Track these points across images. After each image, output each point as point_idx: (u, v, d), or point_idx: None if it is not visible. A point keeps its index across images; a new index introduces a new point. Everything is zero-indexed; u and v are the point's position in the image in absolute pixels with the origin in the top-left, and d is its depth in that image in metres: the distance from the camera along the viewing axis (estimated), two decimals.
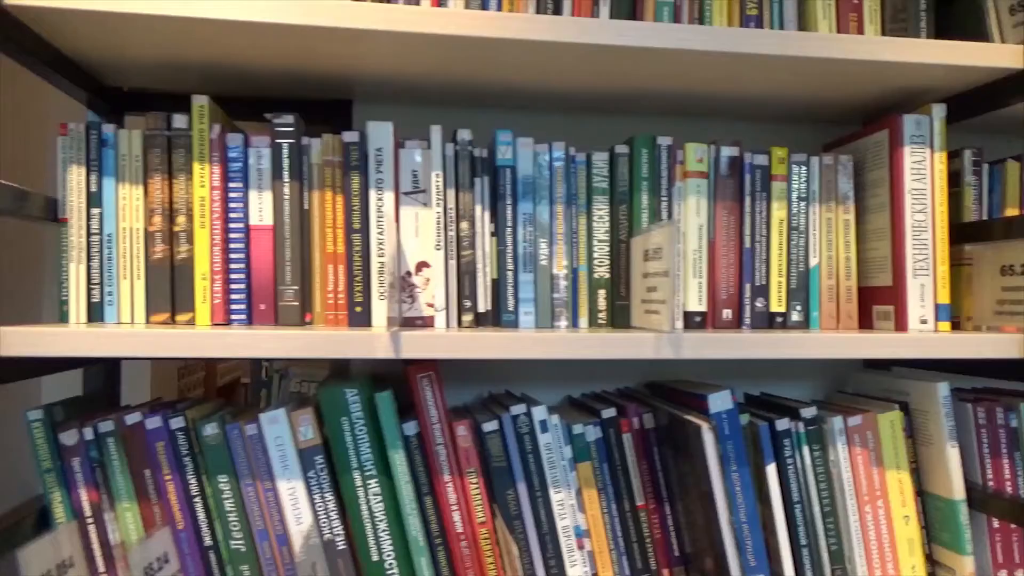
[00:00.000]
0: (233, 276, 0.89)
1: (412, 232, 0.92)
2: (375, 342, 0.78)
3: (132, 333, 0.75)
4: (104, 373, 1.01)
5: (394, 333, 0.79)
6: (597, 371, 1.18)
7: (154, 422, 0.85)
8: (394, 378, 1.10)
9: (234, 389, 8.80)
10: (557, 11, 0.95)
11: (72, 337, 0.74)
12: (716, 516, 0.86)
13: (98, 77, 1.00)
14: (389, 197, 0.92)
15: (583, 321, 0.97)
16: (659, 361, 1.19)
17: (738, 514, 0.88)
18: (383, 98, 1.09)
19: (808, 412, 0.95)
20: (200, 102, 0.88)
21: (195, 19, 0.79)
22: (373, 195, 0.91)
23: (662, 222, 0.95)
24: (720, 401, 0.93)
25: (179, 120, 0.88)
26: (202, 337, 0.76)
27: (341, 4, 0.82)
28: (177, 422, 0.85)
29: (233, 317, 0.89)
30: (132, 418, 0.86)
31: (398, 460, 0.87)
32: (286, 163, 0.90)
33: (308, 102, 1.09)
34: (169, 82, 1.02)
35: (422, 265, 0.92)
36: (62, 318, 0.87)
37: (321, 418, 0.89)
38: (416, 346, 0.79)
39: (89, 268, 0.87)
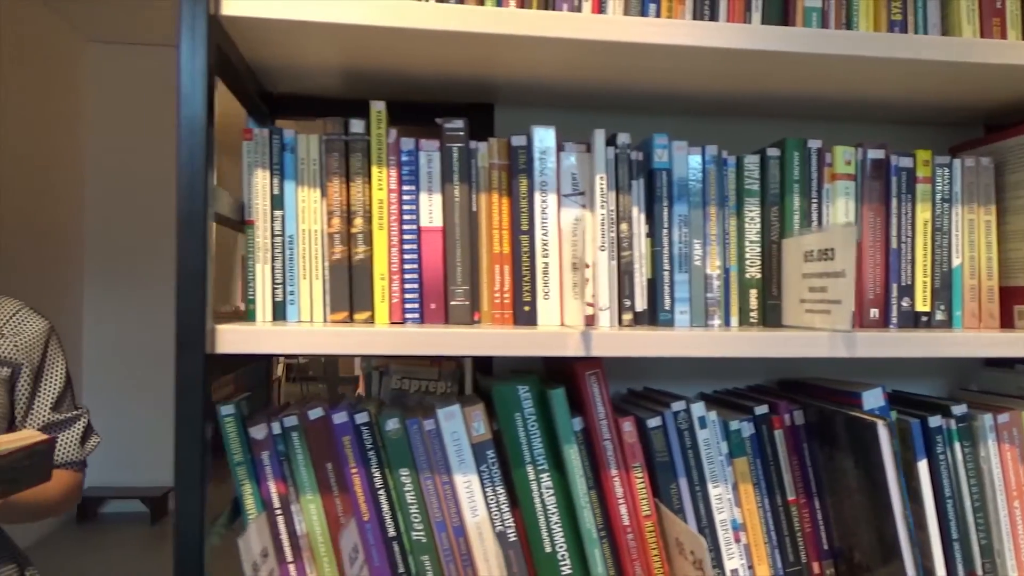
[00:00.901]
0: (407, 276, 0.92)
1: (572, 233, 0.95)
2: (567, 340, 0.81)
3: (343, 332, 0.78)
4: (264, 369, 1.04)
5: (584, 332, 0.82)
6: (725, 369, 1.20)
7: (340, 417, 0.88)
8: (535, 374, 1.12)
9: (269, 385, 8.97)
10: (713, 17, 0.97)
11: (285, 335, 0.77)
12: (890, 512, 0.89)
13: (258, 83, 1.03)
14: (552, 199, 0.95)
15: (734, 320, 1.00)
16: (791, 359, 1.21)
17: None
18: (523, 102, 1.12)
19: (959, 409, 0.97)
20: (378, 108, 0.91)
21: (369, 27, 0.81)
22: (538, 197, 0.94)
23: (830, 224, 0.98)
24: (873, 398, 0.95)
25: (356, 125, 0.91)
26: (433, 335, 0.79)
27: (511, 12, 0.84)
28: (362, 417, 0.88)
29: (407, 316, 0.92)
30: (315, 413, 0.89)
31: (572, 455, 0.90)
32: (456, 166, 0.93)
33: (449, 105, 1.11)
34: (320, 87, 1.05)
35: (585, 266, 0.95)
36: (249, 316, 0.90)
37: (491, 414, 0.92)
38: (606, 345, 0.81)
39: (273, 268, 0.90)
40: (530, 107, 1.14)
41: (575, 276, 0.95)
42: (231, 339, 0.76)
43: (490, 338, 0.80)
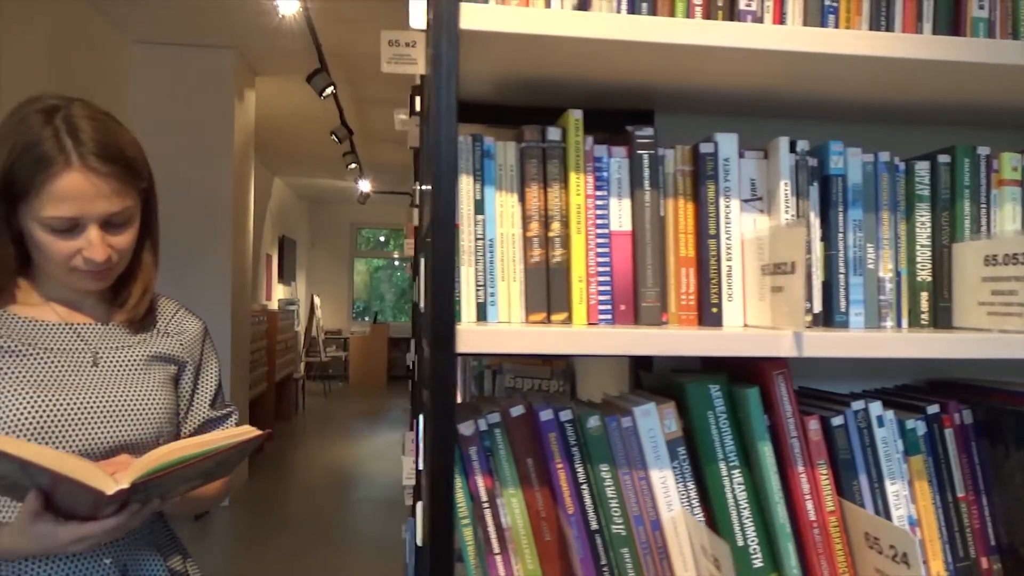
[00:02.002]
0: (600, 278, 0.95)
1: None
2: (780, 342, 0.84)
3: (584, 333, 0.82)
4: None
5: (797, 334, 0.85)
6: (874, 369, 1.23)
7: (547, 415, 0.91)
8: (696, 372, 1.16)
9: (286, 385, 8.88)
10: (888, 27, 1.00)
11: (523, 336, 0.80)
12: None
13: None
14: (735, 204, 0.98)
15: (904, 322, 1.03)
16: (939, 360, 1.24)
17: None
18: (681, 108, 1.15)
19: None
20: (576, 116, 0.94)
21: (571, 39, 0.85)
22: (723, 202, 0.97)
23: (998, 230, 1.00)
24: None
25: (553, 133, 0.95)
26: (657, 337, 0.82)
27: (708, 24, 0.88)
28: (566, 415, 0.92)
29: (601, 317, 0.95)
30: (516, 411, 0.92)
31: (766, 451, 0.93)
32: (646, 172, 0.96)
33: (610, 112, 1.15)
34: (477, 94, 1.09)
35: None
36: (455, 317, 0.93)
37: (681, 411, 0.95)
38: (817, 346, 0.85)
39: (476, 271, 0.93)
40: (688, 113, 1.17)
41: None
42: (473, 339, 0.79)
43: (710, 339, 0.83)
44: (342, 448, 6.78)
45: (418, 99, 2.65)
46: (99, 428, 1.05)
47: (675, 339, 0.84)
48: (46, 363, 1.05)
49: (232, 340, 5.12)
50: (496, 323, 0.93)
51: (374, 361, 10.76)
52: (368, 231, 13.09)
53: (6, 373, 1.02)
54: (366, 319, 12.26)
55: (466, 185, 0.93)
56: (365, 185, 8.50)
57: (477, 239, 0.94)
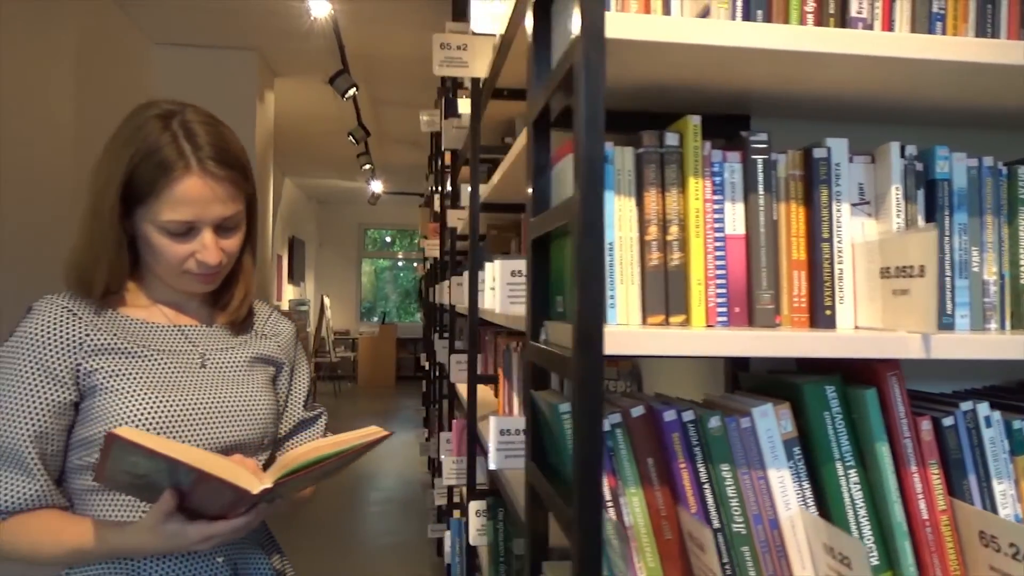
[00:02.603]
0: (718, 281, 0.97)
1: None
2: (908, 344, 0.86)
3: (737, 335, 0.83)
4: None
5: (925, 336, 0.86)
6: (964, 370, 1.25)
7: (670, 415, 0.93)
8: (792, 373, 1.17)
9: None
10: (994, 34, 1.02)
11: (665, 338, 0.82)
12: None
13: None
14: (846, 208, 0.99)
15: (1007, 323, 1.04)
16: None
17: None
18: (777, 113, 1.17)
19: None
20: (695, 122, 0.96)
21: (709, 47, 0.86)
22: (834, 206, 0.99)
23: None
24: None
25: (671, 138, 0.96)
26: (830, 339, 0.83)
27: (815, 31, 0.90)
28: (688, 415, 0.93)
29: (717, 319, 0.97)
30: (637, 411, 0.94)
31: (883, 451, 0.94)
32: (760, 177, 0.98)
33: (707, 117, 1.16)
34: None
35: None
36: (603, 319, 0.95)
37: (795, 411, 0.97)
38: (944, 348, 0.86)
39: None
40: (783, 118, 1.19)
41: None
42: (619, 342, 0.80)
43: (839, 342, 0.85)
44: None
45: (461, 101, 2.67)
46: (214, 429, 1.06)
47: (812, 341, 0.86)
48: (160, 364, 1.07)
49: None
50: (615, 325, 0.95)
51: (383, 361, 10.78)
52: (374, 232, 13.11)
53: (126, 375, 1.03)
54: (373, 319, 12.28)
55: None
56: (377, 186, 8.53)
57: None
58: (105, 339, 1.04)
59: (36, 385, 1.00)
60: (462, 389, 2.84)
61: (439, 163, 4.25)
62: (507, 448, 1.61)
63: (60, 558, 1.00)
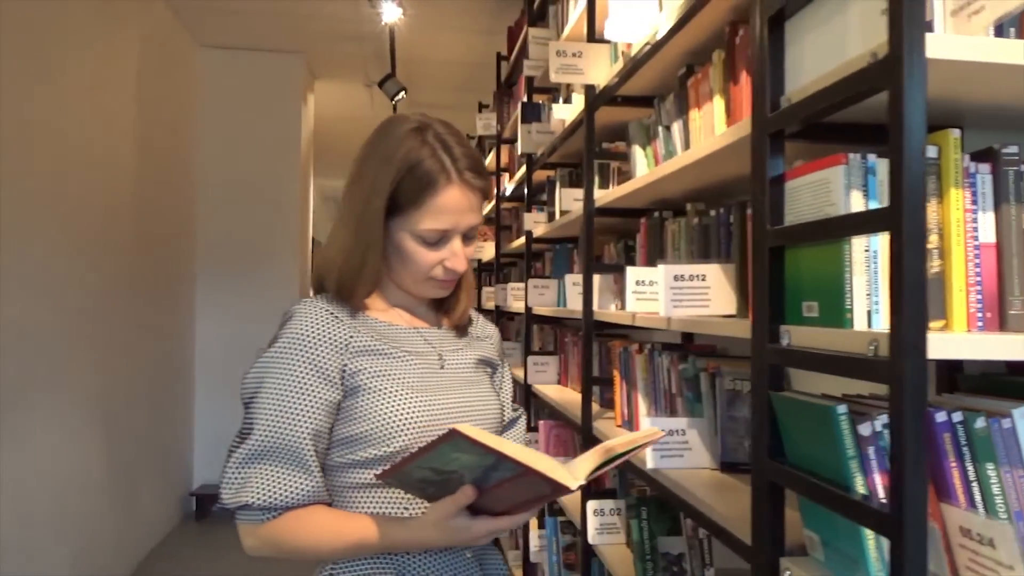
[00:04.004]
0: (976, 288, 1.01)
1: None
2: None
3: None
4: None
5: None
6: None
7: (941, 416, 0.97)
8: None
9: None
10: None
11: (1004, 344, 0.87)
12: None
13: None
14: None
15: None
16: None
17: None
18: (983, 124, 1.21)
19: None
20: (955, 135, 1.00)
21: None
22: None
23: None
24: None
25: (930, 151, 1.00)
26: None
27: None
28: (957, 416, 0.97)
29: (976, 324, 1.01)
30: None
31: None
32: (1011, 187, 1.02)
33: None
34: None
35: None
36: (845, 324, 0.99)
37: None
38: None
39: (866, 281, 0.99)
40: (995, 130, 1.23)
41: None
42: (946, 347, 0.85)
43: None
44: None
45: (555, 107, 2.71)
46: None
47: None
48: (412, 365, 1.10)
49: None
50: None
51: None
52: None
53: (387, 375, 1.06)
54: None
55: (856, 200, 0.99)
56: None
57: (866, 250, 0.99)
58: (365, 340, 1.07)
59: (311, 385, 1.03)
60: (549, 392, 2.87)
61: (496, 164, 4.28)
62: (664, 449, 1.65)
63: (338, 552, 1.03)
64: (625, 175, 2.34)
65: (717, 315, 1.56)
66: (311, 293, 1.15)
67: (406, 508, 1.06)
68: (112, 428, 3.57)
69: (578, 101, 2.51)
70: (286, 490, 1.01)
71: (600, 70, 2.20)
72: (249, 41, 5.01)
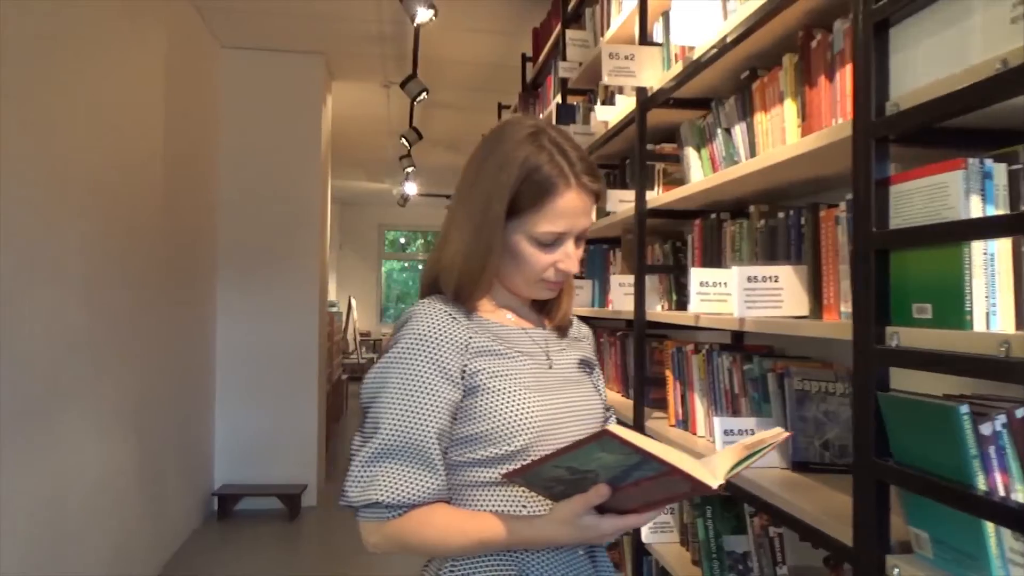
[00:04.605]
0: None
1: None
2: None
3: None
4: None
5: None
6: None
7: None
8: None
9: (336, 386, 8.88)
10: None
11: None
12: None
13: None
14: None
15: None
16: None
17: None
18: None
19: None
20: None
21: None
22: None
23: None
24: None
25: None
26: None
27: None
28: None
29: None
30: (1020, 412, 1.00)
31: None
32: None
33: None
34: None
35: None
36: (964, 326, 1.01)
37: None
38: None
39: (984, 283, 1.01)
40: None
41: None
42: None
43: None
44: None
45: (599, 109, 2.72)
46: (572, 427, 1.11)
47: None
48: (525, 365, 1.12)
49: (319, 339, 5.16)
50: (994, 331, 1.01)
51: None
52: (391, 233, 13.14)
53: (505, 375, 1.08)
54: (391, 321, 12.28)
55: (975, 205, 1.01)
56: (411, 188, 8.54)
57: (984, 254, 1.01)
58: (482, 341, 1.09)
59: (436, 384, 1.04)
60: None
61: None
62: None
63: (464, 549, 1.04)
64: (671, 176, 2.36)
65: (789, 316, 1.57)
66: (420, 295, 1.17)
67: (524, 506, 1.07)
68: (142, 428, 3.57)
69: (623, 103, 2.52)
70: (413, 488, 1.02)
71: (652, 72, 2.22)
72: (270, 42, 5.01)
